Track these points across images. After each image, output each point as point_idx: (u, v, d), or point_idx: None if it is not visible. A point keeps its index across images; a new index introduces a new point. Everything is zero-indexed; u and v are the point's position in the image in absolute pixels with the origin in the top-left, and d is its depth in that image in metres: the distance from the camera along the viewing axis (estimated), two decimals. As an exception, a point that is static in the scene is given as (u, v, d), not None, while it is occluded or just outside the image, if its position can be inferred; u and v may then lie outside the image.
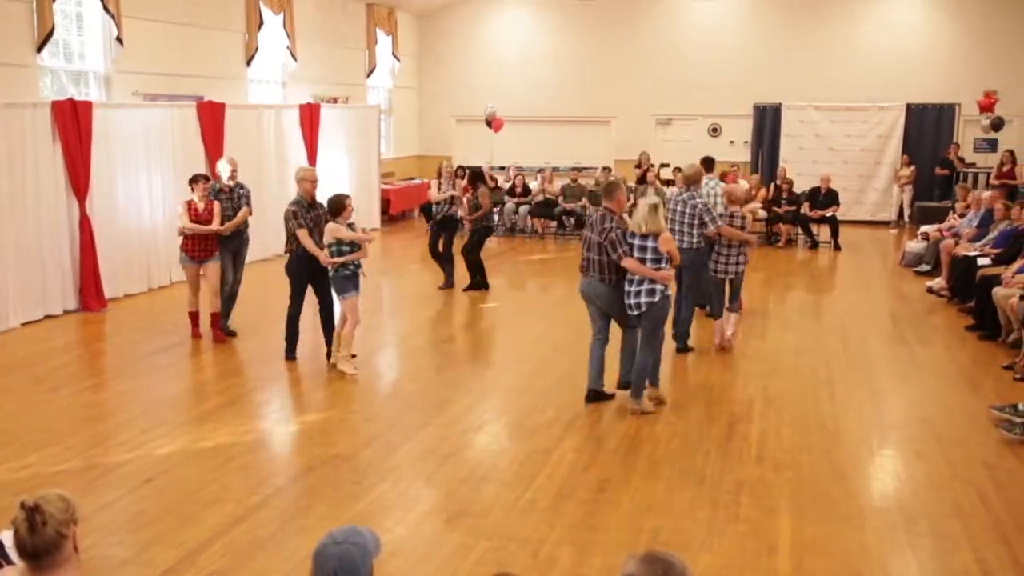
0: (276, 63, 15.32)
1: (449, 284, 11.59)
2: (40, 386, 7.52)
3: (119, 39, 11.43)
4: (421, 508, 5.32)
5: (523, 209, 16.79)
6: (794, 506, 5.32)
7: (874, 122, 18.33)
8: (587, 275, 7.08)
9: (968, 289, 10.40)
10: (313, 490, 5.54)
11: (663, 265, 6.78)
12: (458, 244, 11.95)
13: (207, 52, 13.31)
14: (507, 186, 17.26)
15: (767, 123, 18.83)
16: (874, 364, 8.47)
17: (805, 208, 15.56)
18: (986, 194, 12.68)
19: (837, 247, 15.19)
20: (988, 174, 16.76)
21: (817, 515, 5.21)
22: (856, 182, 18.32)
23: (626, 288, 6.90)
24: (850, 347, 9.04)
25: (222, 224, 8.92)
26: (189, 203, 8.82)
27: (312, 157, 14.94)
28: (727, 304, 8.85)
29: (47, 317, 9.79)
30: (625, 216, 7.30)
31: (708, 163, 11.02)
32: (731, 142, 19.28)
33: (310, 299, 8.37)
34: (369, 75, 18.43)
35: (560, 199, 16.67)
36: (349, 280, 7.71)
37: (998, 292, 8.98)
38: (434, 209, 11.76)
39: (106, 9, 11.15)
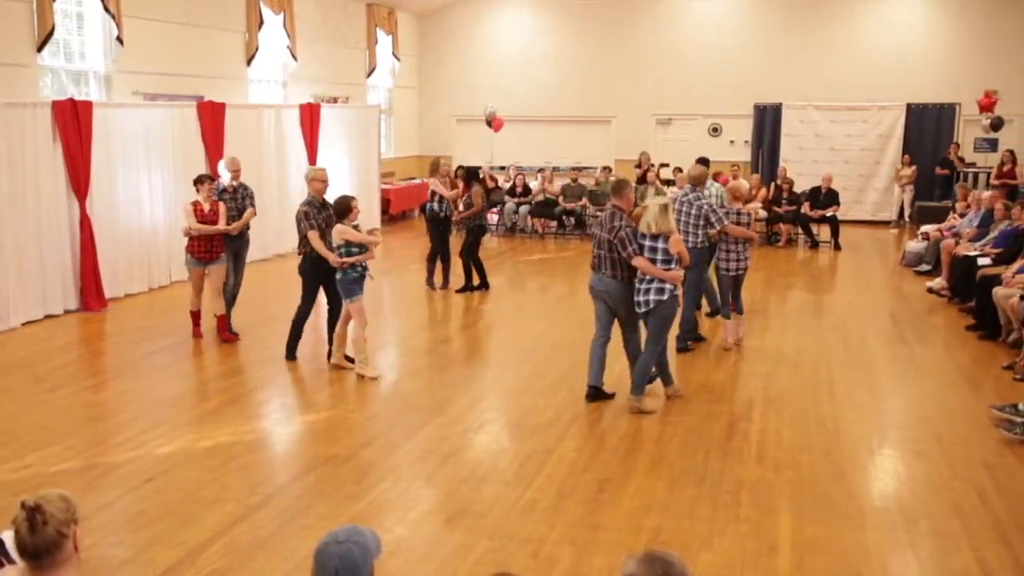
0: (276, 63, 15.33)
1: (442, 285, 11.58)
2: (40, 386, 7.52)
3: (119, 39, 11.44)
4: (421, 508, 5.32)
5: (523, 209, 16.80)
6: (794, 506, 5.32)
7: (874, 122, 18.33)
8: (598, 272, 7.11)
9: (968, 289, 10.40)
10: (313, 490, 5.54)
11: (673, 266, 6.84)
12: (455, 246, 11.91)
13: (207, 52, 13.32)
14: (507, 186, 17.26)
15: (767, 123, 18.84)
16: (874, 364, 8.48)
17: (805, 208, 15.56)
18: (986, 194, 12.68)
19: (837, 247, 15.19)
20: (988, 174, 16.76)
21: (817, 515, 5.21)
22: (856, 182, 18.32)
23: (636, 286, 6.94)
24: (850, 347, 9.04)
25: (228, 224, 8.89)
26: (195, 204, 8.77)
27: (312, 157, 14.94)
28: (730, 312, 8.88)
29: (47, 317, 9.80)
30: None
31: (702, 163, 11.04)
32: (731, 142, 19.29)
33: (319, 301, 8.34)
34: (369, 75, 18.43)
35: (560, 199, 16.67)
36: (357, 283, 7.69)
37: (998, 292, 8.98)
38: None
39: (106, 9, 11.15)
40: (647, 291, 6.84)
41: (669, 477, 5.74)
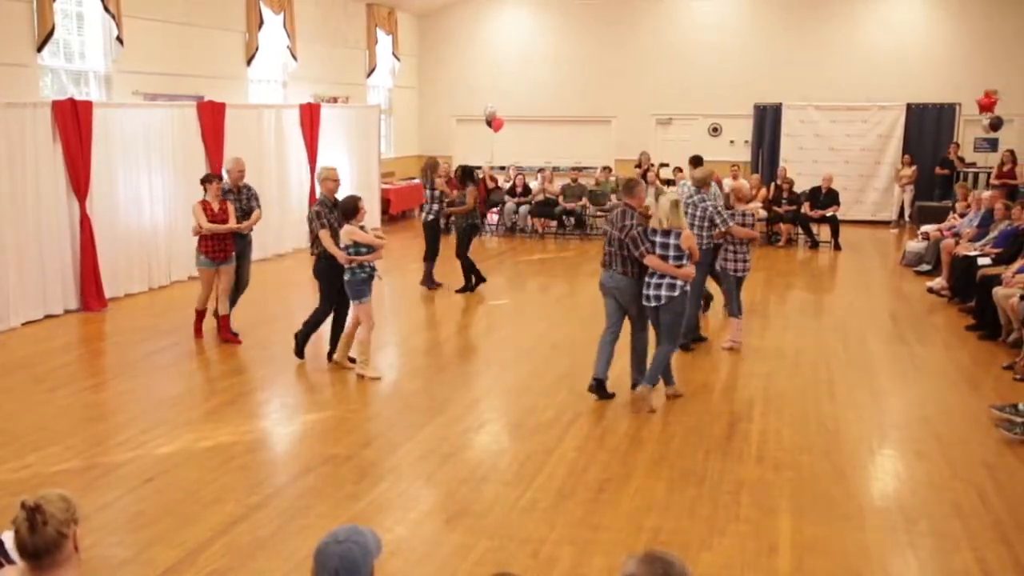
0: (276, 63, 15.33)
1: (434, 285, 11.59)
2: (40, 386, 7.52)
3: (119, 39, 11.44)
4: (421, 508, 5.32)
5: (523, 209, 16.80)
6: (794, 506, 5.32)
7: (874, 122, 18.33)
8: (608, 269, 7.19)
9: (968, 289, 10.40)
10: (313, 490, 5.54)
11: (684, 262, 6.90)
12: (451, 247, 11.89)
13: (207, 52, 13.32)
14: (507, 186, 17.26)
15: (767, 123, 18.84)
16: (874, 364, 8.48)
17: (805, 208, 15.57)
18: (986, 194, 12.68)
19: (837, 247, 15.19)
20: (988, 174, 16.77)
21: (817, 515, 5.21)
22: (856, 182, 18.33)
23: (646, 280, 6.99)
24: (850, 347, 9.04)
25: (237, 223, 8.86)
26: (204, 203, 8.70)
27: (312, 157, 14.95)
28: (736, 311, 8.91)
29: (47, 317, 9.80)
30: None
31: (697, 161, 11.08)
32: (731, 142, 19.29)
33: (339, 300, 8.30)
34: (369, 75, 18.43)
35: (560, 199, 16.67)
36: (365, 283, 7.67)
37: (998, 292, 8.98)
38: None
39: (106, 9, 11.15)
40: (658, 287, 6.91)
41: (669, 477, 5.74)
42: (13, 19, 10.17)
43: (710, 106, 19.21)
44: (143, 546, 4.78)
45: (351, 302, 7.81)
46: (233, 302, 9.18)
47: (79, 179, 10.06)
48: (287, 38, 15.16)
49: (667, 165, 17.43)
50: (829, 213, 15.39)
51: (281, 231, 13.98)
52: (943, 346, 9.12)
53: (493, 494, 5.46)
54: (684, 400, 7.26)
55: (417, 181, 19.06)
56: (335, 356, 8.14)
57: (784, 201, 15.70)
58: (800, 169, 17.57)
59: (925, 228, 14.17)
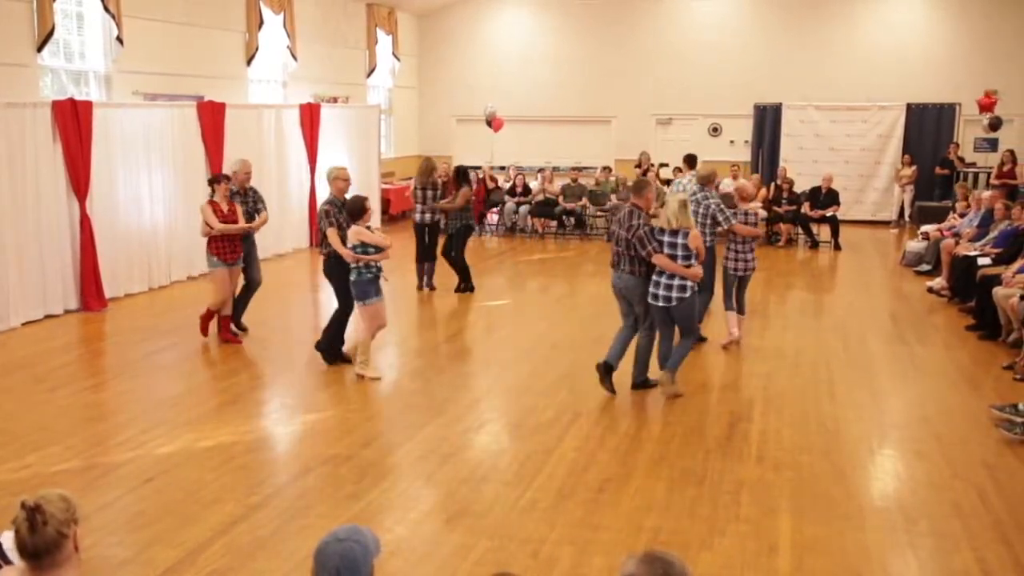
0: (276, 63, 15.32)
1: (429, 286, 11.60)
2: (40, 386, 7.52)
3: (119, 39, 11.44)
4: (421, 508, 5.32)
5: (523, 209, 16.79)
6: (794, 506, 5.32)
7: (874, 122, 18.33)
8: (617, 270, 7.30)
9: (968, 289, 10.40)
10: (313, 490, 5.54)
11: (692, 262, 6.96)
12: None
13: (207, 52, 13.32)
14: (507, 186, 17.26)
15: (767, 123, 18.84)
16: (874, 364, 8.48)
17: (805, 208, 15.57)
18: (986, 194, 12.68)
19: (837, 247, 15.19)
20: (988, 174, 16.77)
21: (817, 515, 5.21)
22: (856, 182, 18.33)
23: (654, 279, 7.05)
24: (850, 347, 9.04)
25: (247, 223, 8.82)
26: (213, 204, 8.62)
27: (312, 157, 14.95)
28: (733, 305, 8.94)
29: (48, 317, 9.80)
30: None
31: (690, 160, 11.11)
32: (731, 142, 19.29)
33: (334, 300, 8.26)
34: (369, 75, 18.43)
35: (560, 199, 16.67)
36: (371, 284, 7.66)
37: (998, 292, 8.98)
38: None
39: (106, 9, 11.15)
40: (669, 287, 6.98)
41: (669, 477, 5.74)
42: (13, 19, 10.17)
43: (710, 106, 19.21)
44: (143, 546, 4.78)
45: (356, 303, 7.78)
46: (245, 303, 9.15)
47: (79, 179, 10.06)
48: (287, 38, 15.16)
49: (667, 165, 17.44)
50: (829, 213, 15.39)
51: (281, 231, 13.97)
52: (943, 346, 9.12)
53: (493, 494, 5.46)
54: (684, 400, 7.26)
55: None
56: (346, 347, 8.02)
57: (784, 201, 15.71)
58: (800, 169, 17.58)
59: (925, 228, 14.17)
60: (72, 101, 9.96)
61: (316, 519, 5.07)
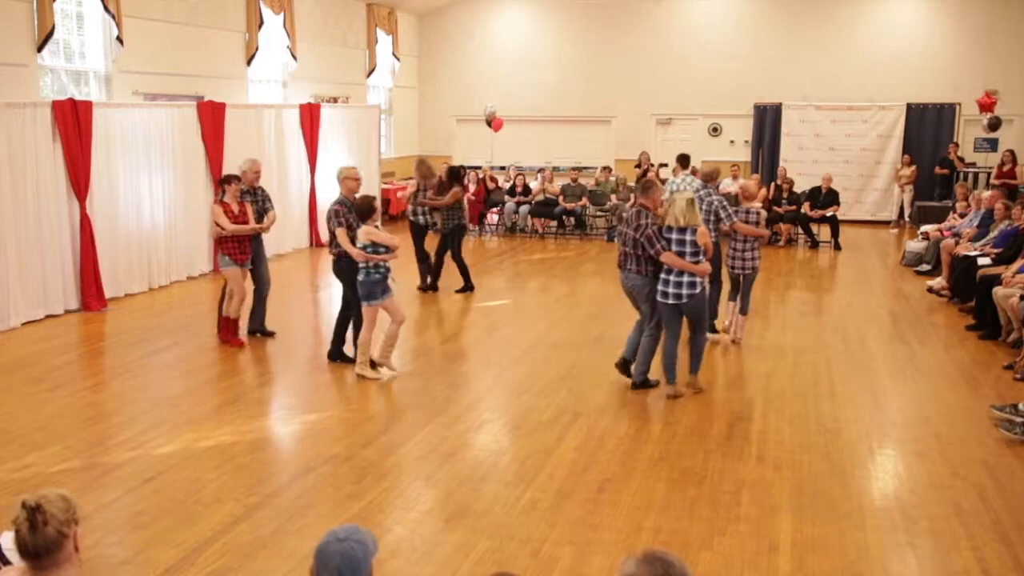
0: (276, 63, 15.32)
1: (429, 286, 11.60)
2: (40, 386, 7.52)
3: (119, 39, 11.44)
4: (421, 508, 5.32)
5: (523, 209, 16.79)
6: (794, 506, 5.33)
7: (874, 122, 18.33)
8: (624, 270, 7.40)
9: (968, 289, 10.41)
10: (313, 490, 5.54)
11: (700, 258, 7.04)
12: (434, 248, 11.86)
13: (207, 52, 13.32)
14: (507, 186, 17.27)
15: (767, 123, 18.84)
16: (874, 364, 8.48)
17: (805, 208, 15.57)
18: (986, 194, 12.68)
19: (837, 247, 15.19)
20: (988, 174, 16.77)
21: (817, 515, 5.21)
22: (856, 182, 18.33)
23: (663, 277, 7.10)
24: (850, 347, 9.04)
25: (257, 223, 8.80)
26: (224, 205, 8.57)
27: (312, 157, 14.96)
28: (736, 305, 8.97)
29: (48, 317, 9.80)
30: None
31: (684, 160, 11.16)
32: (731, 142, 19.30)
33: (340, 300, 8.23)
34: (369, 75, 18.43)
35: (560, 199, 16.67)
36: (378, 284, 7.65)
37: (998, 292, 8.98)
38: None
39: (106, 9, 11.15)
40: (678, 284, 7.04)
41: (669, 477, 5.74)
42: (13, 19, 10.17)
43: (710, 106, 19.21)
44: (143, 546, 4.78)
45: (362, 303, 7.76)
46: (263, 307, 9.06)
47: (79, 179, 10.06)
48: (287, 38, 15.16)
49: (666, 165, 17.42)
50: (829, 213, 15.39)
51: (281, 231, 13.95)
52: (943, 346, 9.12)
53: (493, 494, 5.46)
54: (684, 400, 7.26)
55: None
56: (376, 357, 7.93)
57: (784, 201, 15.71)
58: (800, 169, 17.59)
59: (925, 228, 14.17)
60: (72, 101, 9.96)
61: (316, 519, 5.07)
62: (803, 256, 14.94)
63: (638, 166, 17.37)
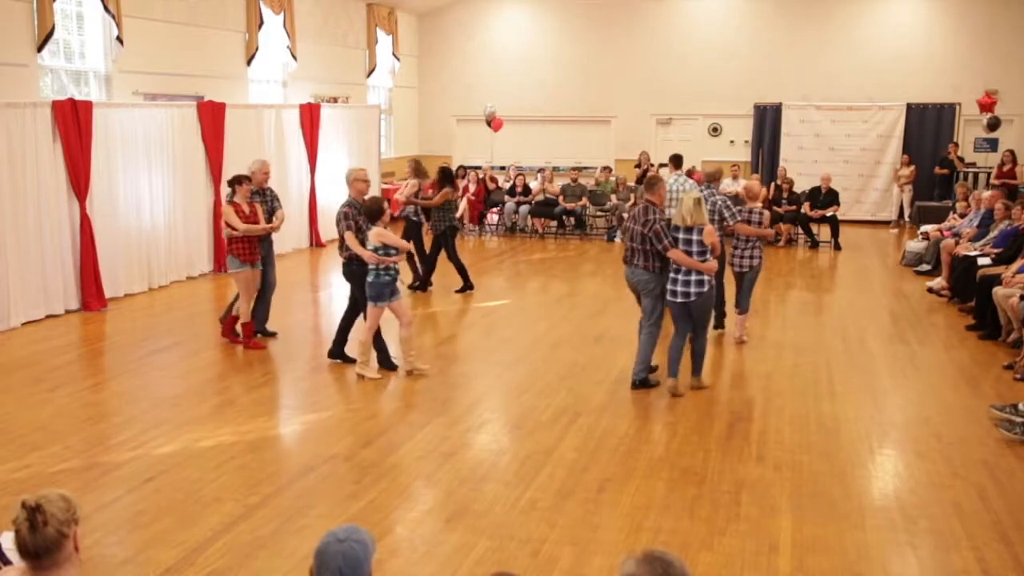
0: (276, 63, 15.33)
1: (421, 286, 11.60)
2: (40, 385, 7.52)
3: (119, 39, 11.44)
4: (421, 508, 5.32)
5: (523, 209, 16.79)
6: (794, 505, 5.33)
7: (874, 122, 18.33)
8: (631, 265, 7.42)
9: (968, 289, 10.41)
10: (313, 490, 5.54)
11: (707, 257, 7.09)
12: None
13: (207, 52, 13.32)
14: (507, 186, 17.27)
15: (767, 123, 18.83)
16: (874, 364, 8.48)
17: (805, 208, 15.57)
18: (986, 194, 12.68)
19: (837, 247, 15.19)
20: (988, 174, 16.77)
21: (817, 515, 5.21)
22: (856, 182, 18.33)
23: (671, 276, 7.16)
24: (850, 347, 9.04)
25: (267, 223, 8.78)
26: (235, 206, 8.53)
27: (312, 157, 14.95)
28: (737, 303, 9.02)
29: (48, 316, 9.80)
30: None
31: (676, 160, 11.22)
32: (731, 142, 19.30)
33: (340, 300, 8.20)
34: (369, 75, 18.43)
35: (560, 199, 16.67)
36: (388, 286, 7.64)
37: (998, 292, 8.98)
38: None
39: (106, 9, 11.15)
40: (687, 283, 7.11)
41: (669, 477, 5.74)
42: (13, 19, 10.17)
43: (710, 106, 19.21)
44: (143, 546, 4.78)
45: (368, 303, 7.74)
46: (267, 309, 9.04)
47: (79, 179, 10.06)
48: (287, 38, 15.16)
49: (666, 165, 17.42)
50: (829, 213, 15.39)
51: (281, 231, 13.91)
52: (943, 346, 9.12)
53: (493, 494, 5.47)
54: (684, 400, 7.26)
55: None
56: (404, 367, 7.91)
57: (784, 201, 15.71)
58: (800, 169, 17.59)
59: (925, 228, 14.17)
60: (72, 101, 9.96)
61: (316, 519, 5.07)
62: (803, 256, 14.94)
63: (638, 166, 17.37)
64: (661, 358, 7.68)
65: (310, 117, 14.84)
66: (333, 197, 15.52)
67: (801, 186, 16.16)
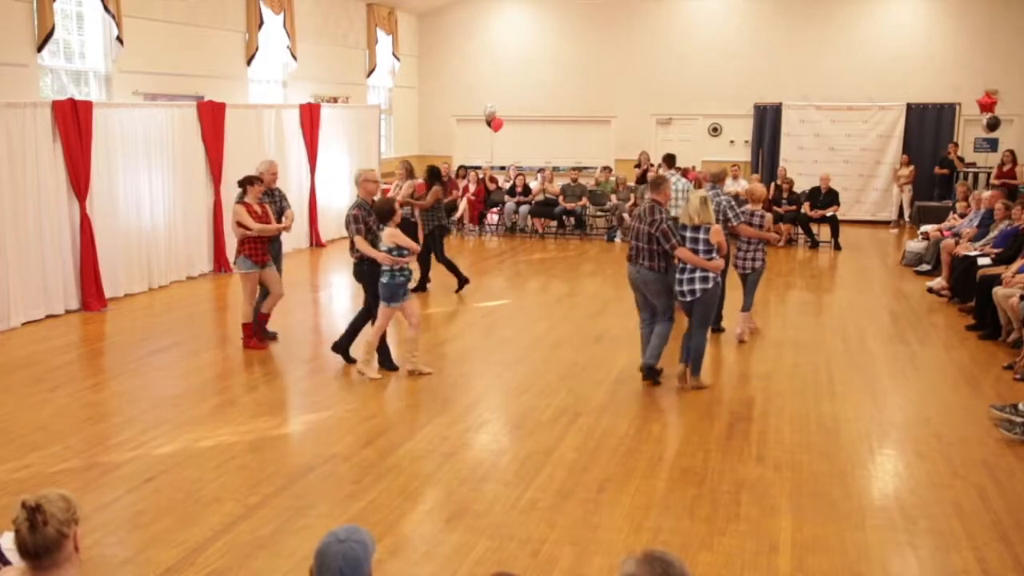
0: (276, 63, 15.33)
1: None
2: (40, 385, 7.52)
3: (119, 39, 11.44)
4: (421, 508, 5.32)
5: (523, 209, 16.79)
6: (794, 506, 5.33)
7: (874, 122, 18.33)
8: (635, 263, 7.43)
9: (968, 289, 10.41)
10: (313, 490, 5.54)
11: (714, 255, 7.15)
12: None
13: (207, 52, 13.32)
14: (507, 186, 17.27)
15: (767, 123, 18.84)
16: (874, 364, 8.48)
17: (805, 208, 15.57)
18: (986, 194, 12.68)
19: (837, 247, 15.19)
20: (988, 174, 16.77)
21: (817, 515, 5.21)
22: (856, 182, 18.33)
23: (677, 276, 7.23)
24: (850, 347, 9.04)
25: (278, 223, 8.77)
26: (247, 206, 8.49)
27: (312, 157, 14.95)
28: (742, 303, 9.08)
29: (48, 316, 9.80)
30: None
31: (670, 160, 11.25)
32: (731, 142, 19.30)
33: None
34: (369, 75, 18.43)
35: (560, 199, 16.67)
36: (402, 287, 7.64)
37: (998, 292, 8.98)
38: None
39: (106, 8, 11.15)
40: (691, 280, 7.17)
41: (669, 477, 5.74)
42: (13, 19, 10.17)
43: (710, 106, 19.21)
44: (143, 546, 4.78)
45: (381, 303, 7.73)
46: (268, 307, 9.06)
47: (79, 179, 10.06)
48: (287, 38, 15.16)
49: (661, 165, 17.42)
50: (829, 213, 15.39)
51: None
52: (943, 346, 9.12)
53: (493, 494, 5.46)
54: (684, 400, 7.27)
55: (417, 181, 19.07)
56: (409, 368, 7.89)
57: (784, 201, 15.71)
58: (800, 169, 17.60)
59: (925, 228, 14.17)
60: (72, 101, 9.96)
61: (316, 519, 5.07)
62: (803, 256, 14.94)
63: (638, 166, 17.37)
64: (665, 359, 7.67)
65: (310, 117, 14.83)
66: (333, 197, 15.56)
67: (801, 186, 16.16)
